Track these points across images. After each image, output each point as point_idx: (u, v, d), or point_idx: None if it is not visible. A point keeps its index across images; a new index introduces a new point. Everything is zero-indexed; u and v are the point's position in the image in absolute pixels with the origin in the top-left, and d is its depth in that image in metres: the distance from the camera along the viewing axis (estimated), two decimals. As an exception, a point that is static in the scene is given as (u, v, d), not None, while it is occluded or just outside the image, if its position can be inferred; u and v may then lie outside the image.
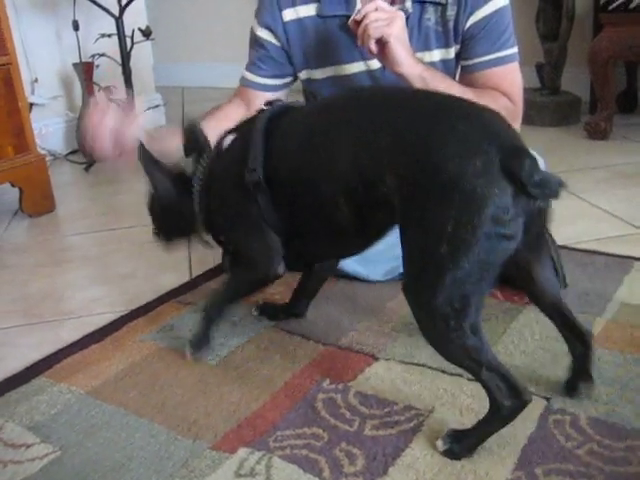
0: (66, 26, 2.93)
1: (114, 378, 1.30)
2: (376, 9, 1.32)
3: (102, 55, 2.91)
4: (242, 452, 1.07)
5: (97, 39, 2.89)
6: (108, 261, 1.89)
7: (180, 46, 4.25)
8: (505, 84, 1.52)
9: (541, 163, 1.52)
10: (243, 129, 1.28)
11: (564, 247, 1.67)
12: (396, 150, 1.00)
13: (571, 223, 1.91)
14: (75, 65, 2.94)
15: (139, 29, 2.95)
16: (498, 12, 1.48)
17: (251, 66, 1.63)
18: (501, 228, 0.91)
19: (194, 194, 1.30)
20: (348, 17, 1.48)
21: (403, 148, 0.99)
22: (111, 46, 2.93)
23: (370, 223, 1.12)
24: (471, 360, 0.98)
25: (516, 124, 1.54)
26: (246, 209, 1.23)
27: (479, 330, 0.97)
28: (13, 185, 2.26)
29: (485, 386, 0.99)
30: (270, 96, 1.60)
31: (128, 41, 2.91)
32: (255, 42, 1.61)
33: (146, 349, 1.39)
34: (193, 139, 1.33)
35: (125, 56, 2.92)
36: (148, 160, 1.32)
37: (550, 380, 1.19)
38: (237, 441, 1.09)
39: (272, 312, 1.48)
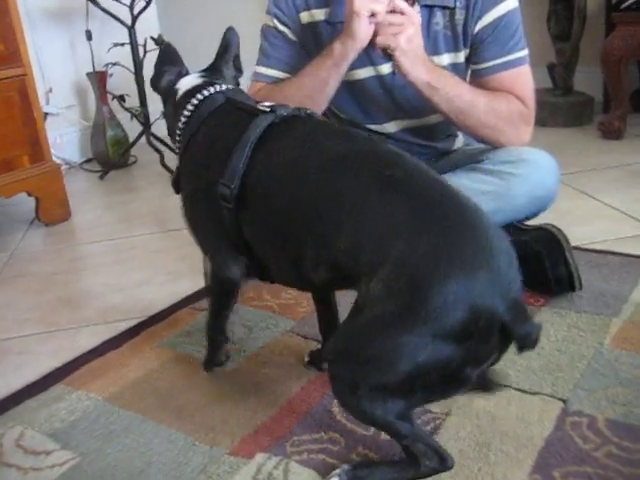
0: (79, 36, 2.97)
1: (132, 384, 1.31)
2: (392, 10, 1.31)
3: (115, 64, 2.94)
4: (260, 457, 1.07)
5: (110, 48, 2.91)
6: (123, 268, 1.91)
7: (191, 54, 4.25)
8: (517, 87, 1.51)
9: (555, 167, 1.52)
10: (235, 122, 1.14)
11: (578, 248, 1.67)
12: (398, 256, 0.88)
13: (585, 223, 1.90)
14: (89, 74, 2.97)
15: (151, 38, 2.97)
16: (507, 15, 1.47)
17: (266, 60, 1.60)
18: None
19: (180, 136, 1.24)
20: None
21: (403, 259, 0.88)
22: (124, 55, 2.95)
23: (328, 280, 1.02)
24: (392, 432, 0.95)
25: (526, 128, 1.53)
26: (205, 210, 1.15)
27: (409, 418, 0.94)
28: (29, 194, 2.28)
29: (406, 450, 0.96)
30: None
31: (141, 50, 2.94)
32: (271, 34, 1.58)
33: (163, 355, 1.40)
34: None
35: (138, 64, 2.95)
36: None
37: (567, 382, 1.19)
38: (254, 446, 1.10)
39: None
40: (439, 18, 1.49)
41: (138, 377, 1.33)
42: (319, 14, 1.54)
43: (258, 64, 1.61)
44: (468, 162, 1.56)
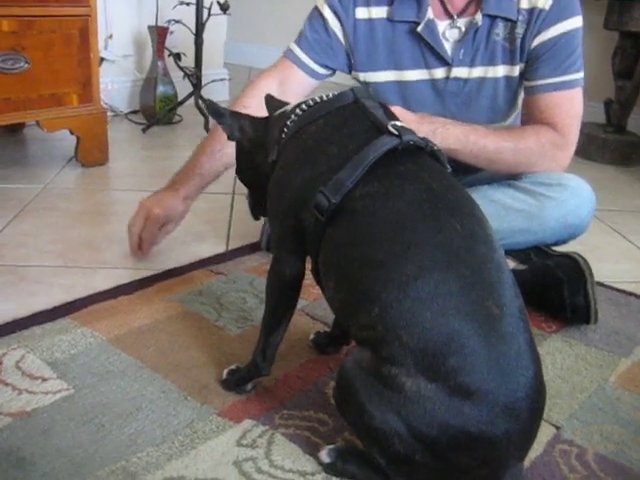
0: (148, -12, 2.99)
1: (137, 331, 1.32)
2: None
3: (178, 22, 2.96)
4: (247, 423, 1.08)
5: (175, 6, 2.93)
6: (150, 221, 1.92)
7: (253, 27, 4.28)
8: (558, 111, 1.50)
9: (593, 199, 1.50)
10: (357, 130, 1.05)
11: (601, 284, 1.65)
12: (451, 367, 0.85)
13: (613, 262, 1.88)
14: (150, 28, 2.99)
15: (217, 2, 2.98)
16: (566, 35, 1.46)
17: (305, 43, 1.59)
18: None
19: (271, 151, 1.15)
20: (417, 23, 1.49)
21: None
22: (188, 15, 2.97)
23: (364, 338, 0.96)
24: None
25: (563, 154, 1.52)
26: (292, 206, 1.06)
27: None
28: (72, 133, 2.31)
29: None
30: (311, 81, 1.61)
31: (205, 12, 2.95)
32: (317, 22, 1.58)
33: (172, 309, 1.42)
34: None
35: (200, 26, 2.96)
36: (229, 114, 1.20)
37: (563, 410, 1.18)
38: (243, 412, 1.11)
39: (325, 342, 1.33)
40: (500, 29, 1.48)
41: (143, 325, 1.35)
42: (379, 12, 1.53)
43: (294, 42, 1.62)
44: (507, 177, 1.55)
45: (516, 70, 1.52)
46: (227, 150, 1.55)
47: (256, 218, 1.34)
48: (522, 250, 1.58)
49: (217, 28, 3.38)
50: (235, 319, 1.39)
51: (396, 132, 1.00)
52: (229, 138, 1.20)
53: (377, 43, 1.55)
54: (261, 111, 1.24)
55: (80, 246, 1.73)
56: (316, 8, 1.59)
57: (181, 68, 3.02)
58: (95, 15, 2.25)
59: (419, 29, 1.49)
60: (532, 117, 1.54)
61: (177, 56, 3.02)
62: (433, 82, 1.56)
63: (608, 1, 2.95)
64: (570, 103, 1.51)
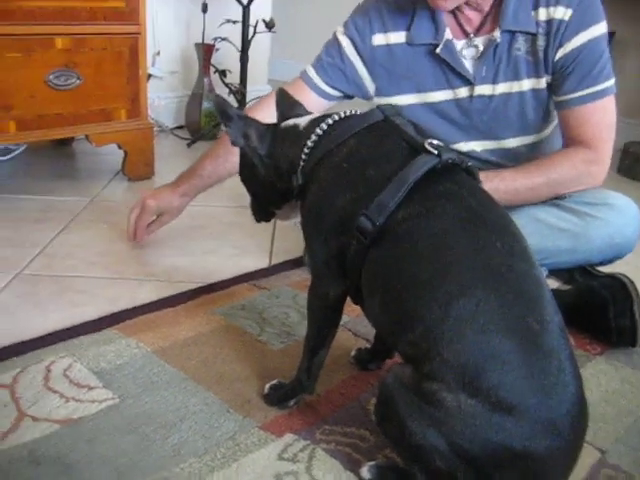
0: (196, 7, 3.04)
1: (181, 343, 1.34)
2: None
3: (224, 39, 3.01)
4: (288, 437, 1.09)
5: (222, 23, 2.98)
6: (194, 235, 1.95)
7: (297, 44, 4.33)
8: (589, 126, 1.48)
9: (638, 215, 1.48)
10: (393, 151, 1.04)
11: (648, 306, 1.62)
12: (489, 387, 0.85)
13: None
14: (197, 45, 3.04)
15: (263, 20, 3.03)
16: (590, 44, 1.44)
17: (319, 66, 1.62)
18: None
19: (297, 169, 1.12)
20: (436, 45, 1.50)
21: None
22: (234, 33, 3.02)
23: (409, 356, 0.97)
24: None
25: (598, 169, 1.50)
26: (332, 230, 1.05)
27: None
28: (120, 147, 2.36)
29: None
30: (322, 102, 1.61)
31: (250, 30, 3.00)
32: (333, 48, 1.60)
33: (215, 322, 1.44)
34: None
35: (246, 43, 3.01)
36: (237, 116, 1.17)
37: (609, 434, 1.16)
38: (285, 426, 1.12)
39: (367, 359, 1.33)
40: (521, 44, 1.48)
41: (188, 337, 1.36)
42: (397, 37, 1.55)
43: (310, 65, 1.64)
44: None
45: (543, 82, 1.50)
46: (230, 157, 1.60)
47: (258, 221, 1.34)
48: (566, 270, 1.57)
49: (262, 45, 3.43)
50: (278, 334, 1.41)
51: (435, 151, 1.00)
52: (233, 144, 1.19)
53: (398, 68, 1.57)
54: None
55: (126, 259, 1.76)
56: (334, 35, 1.62)
57: (226, 84, 3.06)
58: (144, 33, 2.31)
59: (438, 50, 1.50)
60: (565, 136, 1.53)
61: (223, 73, 3.07)
62: (457, 101, 1.56)
63: (656, 19, 2.91)
64: (601, 114, 1.49)
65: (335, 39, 1.61)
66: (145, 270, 1.70)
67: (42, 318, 1.42)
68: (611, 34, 3.19)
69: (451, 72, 1.52)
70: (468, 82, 1.52)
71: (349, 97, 1.65)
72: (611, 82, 1.48)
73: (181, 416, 1.12)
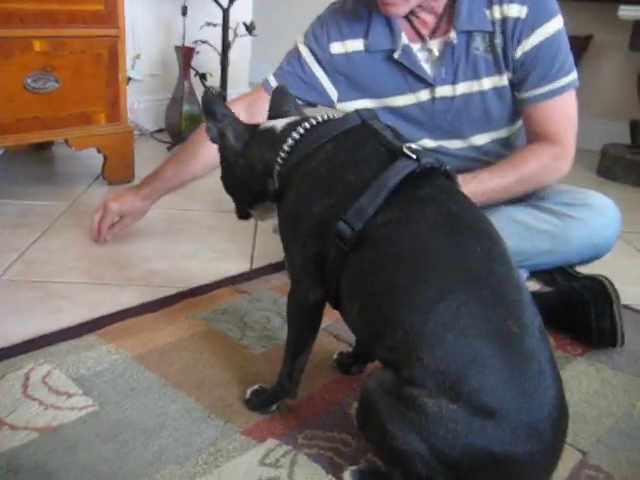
0: (175, 10, 3.03)
1: (161, 349, 1.33)
2: None
3: (204, 42, 3.00)
4: (270, 443, 1.08)
5: (202, 27, 2.98)
6: (174, 239, 1.94)
7: (279, 47, 4.33)
8: (552, 122, 1.51)
9: (618, 218, 1.50)
10: (371, 155, 1.03)
11: (628, 307, 1.63)
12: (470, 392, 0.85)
13: (639, 284, 1.86)
14: (177, 48, 3.03)
15: (244, 23, 3.02)
16: (548, 40, 1.46)
17: (280, 74, 1.64)
18: None
19: (273, 173, 1.11)
20: (393, 51, 1.51)
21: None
22: (214, 35, 3.01)
23: (388, 360, 0.97)
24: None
25: (565, 162, 1.53)
26: (309, 236, 1.04)
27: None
28: (99, 151, 2.35)
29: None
30: None
31: (231, 33, 2.99)
32: (294, 57, 1.63)
33: (196, 327, 1.43)
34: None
35: (226, 46, 3.01)
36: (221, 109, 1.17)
37: (590, 435, 1.17)
38: (267, 431, 1.11)
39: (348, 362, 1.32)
40: (479, 43, 1.49)
41: (168, 343, 1.35)
42: (355, 45, 1.57)
43: (272, 73, 1.66)
44: (529, 196, 1.55)
45: (504, 79, 1.52)
46: (192, 161, 1.66)
47: (239, 218, 1.32)
48: (547, 272, 1.57)
49: (242, 48, 3.42)
50: (259, 338, 1.40)
51: (413, 155, 1.00)
52: (211, 140, 1.19)
53: (357, 75, 1.59)
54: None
55: (105, 263, 1.75)
56: (295, 44, 1.64)
57: (207, 88, 3.05)
58: (124, 36, 2.29)
59: (396, 56, 1.52)
60: (528, 130, 1.56)
61: (203, 76, 3.07)
62: (420, 104, 1.57)
63: (633, 22, 2.94)
64: (562, 109, 1.51)
65: (295, 48, 1.63)
66: (125, 275, 1.69)
67: (21, 324, 1.41)
68: (588, 37, 3.23)
69: (411, 76, 1.54)
70: (428, 84, 1.54)
71: (312, 105, 1.65)
72: (572, 76, 1.50)
73: (161, 422, 1.11)
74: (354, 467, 1.01)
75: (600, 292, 1.44)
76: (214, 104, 1.17)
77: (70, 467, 1.00)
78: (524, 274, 1.51)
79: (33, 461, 1.01)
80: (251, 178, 1.16)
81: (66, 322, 1.42)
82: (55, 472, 0.99)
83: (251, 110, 1.60)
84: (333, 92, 1.62)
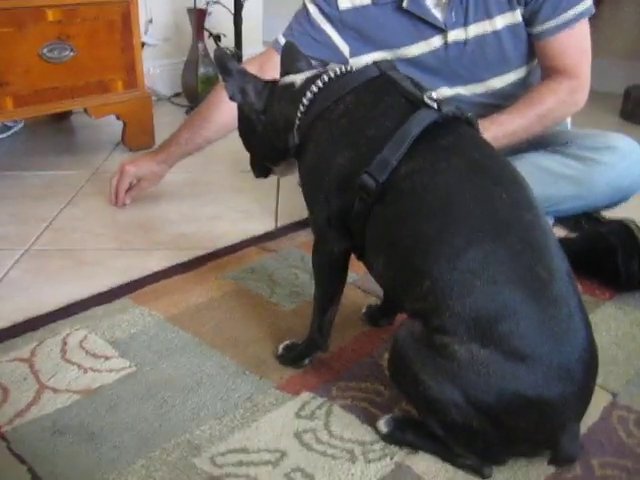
0: (186, -29, 3.00)
1: (193, 309, 1.36)
2: None
3: (216, 3, 2.97)
4: (305, 396, 1.11)
5: (213, -14, 2.94)
6: (198, 201, 1.95)
7: (291, 1, 4.28)
8: (567, 54, 1.50)
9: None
10: (392, 106, 1.02)
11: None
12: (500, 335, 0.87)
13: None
14: (189, 10, 3.00)
15: (255, -19, 2.98)
16: None
17: (290, 34, 1.63)
18: None
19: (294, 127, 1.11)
20: (402, 0, 1.49)
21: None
22: (226, -5, 2.98)
23: (417, 310, 0.98)
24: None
25: (581, 95, 1.53)
26: (333, 190, 1.04)
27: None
28: (118, 118, 2.35)
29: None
30: None
31: (243, -9, 2.96)
32: (302, 16, 1.62)
33: (226, 286, 1.45)
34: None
35: (238, 6, 2.97)
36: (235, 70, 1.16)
37: (620, 377, 1.18)
38: (301, 385, 1.13)
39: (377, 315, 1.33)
40: None
41: (200, 303, 1.38)
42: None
43: (282, 34, 1.65)
44: (552, 143, 1.54)
45: (518, 15, 1.50)
46: (207, 125, 1.68)
47: (257, 177, 1.33)
48: (573, 217, 1.57)
49: (255, 6, 3.38)
50: (288, 295, 1.42)
51: (434, 104, 0.99)
52: (230, 99, 1.18)
53: (367, 28, 1.58)
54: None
55: (132, 229, 1.77)
56: (303, 2, 1.63)
57: (220, 48, 3.03)
58: (136, 0, 2.28)
59: (404, 5, 1.50)
60: (543, 65, 1.55)
61: (217, 37, 3.03)
62: (433, 52, 1.56)
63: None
64: (577, 40, 1.50)
65: (304, 7, 1.63)
66: (152, 239, 1.71)
67: (54, 292, 1.44)
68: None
69: (421, 23, 1.52)
70: (440, 30, 1.52)
71: (325, 63, 1.64)
72: (587, 3, 1.48)
73: (198, 380, 1.14)
74: (388, 416, 1.03)
75: (627, 236, 1.44)
76: (227, 60, 1.16)
77: (113, 426, 1.03)
78: (550, 220, 1.51)
79: (77, 422, 1.04)
80: (274, 134, 1.17)
81: (98, 287, 1.44)
82: (99, 431, 1.02)
83: (262, 71, 1.59)
84: (345, 48, 1.61)
